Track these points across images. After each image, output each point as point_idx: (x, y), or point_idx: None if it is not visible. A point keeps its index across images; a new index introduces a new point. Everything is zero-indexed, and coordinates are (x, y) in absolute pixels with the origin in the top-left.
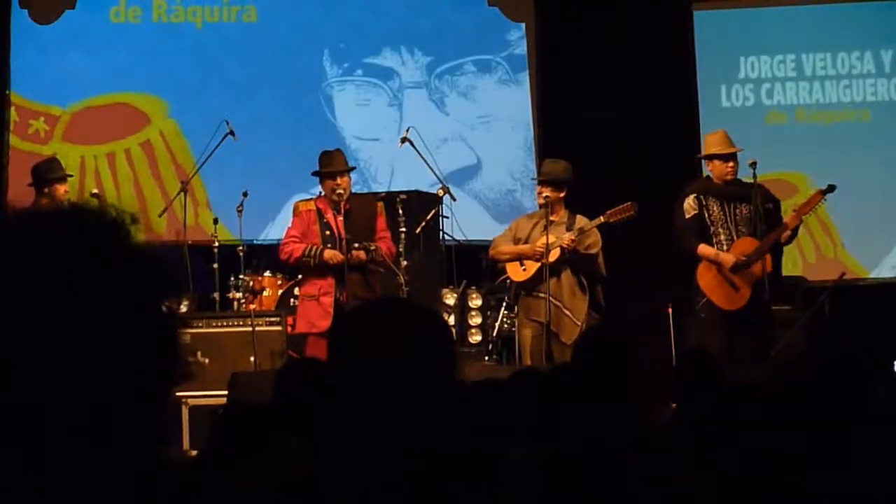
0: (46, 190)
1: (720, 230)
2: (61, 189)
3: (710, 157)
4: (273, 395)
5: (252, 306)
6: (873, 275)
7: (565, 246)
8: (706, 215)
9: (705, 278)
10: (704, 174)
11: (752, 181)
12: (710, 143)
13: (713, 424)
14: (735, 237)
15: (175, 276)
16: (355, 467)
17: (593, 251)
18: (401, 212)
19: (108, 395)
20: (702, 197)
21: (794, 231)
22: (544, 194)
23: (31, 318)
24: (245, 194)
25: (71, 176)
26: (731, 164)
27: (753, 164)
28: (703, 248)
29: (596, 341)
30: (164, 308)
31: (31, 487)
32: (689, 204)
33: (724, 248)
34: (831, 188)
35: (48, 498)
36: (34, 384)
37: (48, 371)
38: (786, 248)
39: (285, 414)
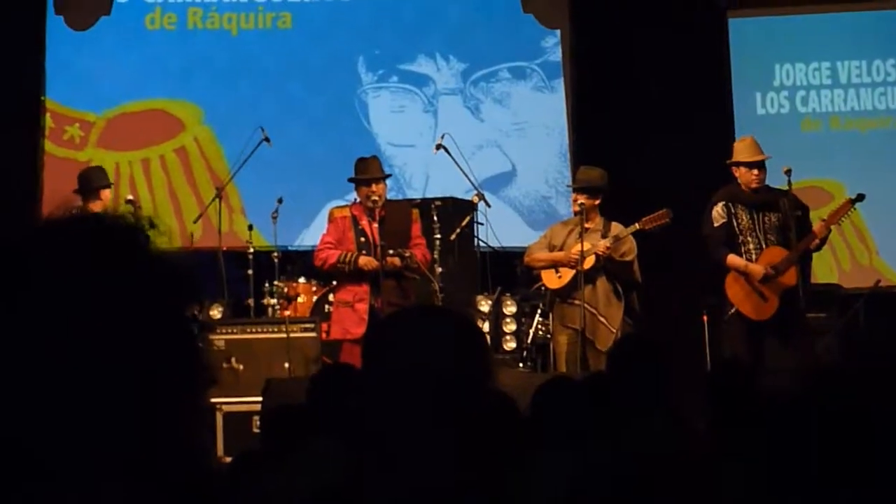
0: (92, 197)
1: (749, 238)
2: (107, 195)
3: (737, 164)
4: (307, 400)
5: (287, 312)
6: None
7: (601, 253)
8: (735, 223)
9: (733, 289)
10: None
11: (782, 188)
12: (738, 150)
13: (746, 433)
14: (764, 246)
15: (195, 280)
16: (394, 474)
17: (629, 258)
18: (436, 218)
19: (130, 403)
20: (730, 205)
21: (823, 240)
22: (579, 201)
23: (50, 327)
24: (280, 200)
25: (112, 184)
26: (755, 171)
27: (788, 172)
28: (732, 259)
29: (630, 349)
30: (186, 314)
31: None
32: (718, 212)
33: (753, 256)
34: (860, 197)
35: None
36: (54, 393)
37: (67, 377)
38: (821, 255)
39: (321, 419)
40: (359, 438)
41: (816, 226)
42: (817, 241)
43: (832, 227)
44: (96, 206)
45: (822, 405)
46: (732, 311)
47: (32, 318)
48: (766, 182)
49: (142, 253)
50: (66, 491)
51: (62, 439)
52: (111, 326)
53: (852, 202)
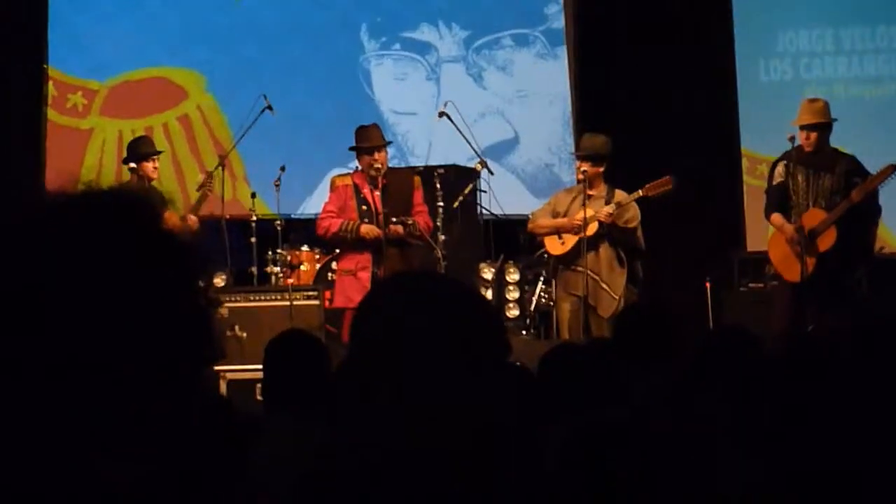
0: (136, 166)
1: (801, 200)
2: (149, 166)
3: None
4: (267, 370)
5: (290, 281)
6: None
7: (603, 219)
8: (790, 184)
9: (774, 250)
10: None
11: (845, 153)
12: (799, 111)
13: (746, 399)
14: (811, 207)
15: (206, 256)
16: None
17: (632, 225)
18: (438, 186)
19: (141, 376)
20: (790, 165)
21: (870, 205)
22: (583, 168)
23: (62, 303)
24: (283, 168)
25: (162, 152)
26: (804, 134)
27: (792, 139)
28: (775, 218)
29: (637, 317)
30: (197, 288)
31: (76, 470)
32: (778, 171)
33: (799, 218)
34: None
35: (91, 478)
36: (68, 368)
37: (80, 352)
38: None
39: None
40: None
41: (854, 190)
42: (853, 205)
43: (868, 191)
44: (134, 178)
45: (816, 369)
46: (772, 271)
47: (51, 291)
48: (833, 145)
49: (155, 229)
50: (84, 466)
51: (78, 416)
52: (122, 302)
53: (893, 168)
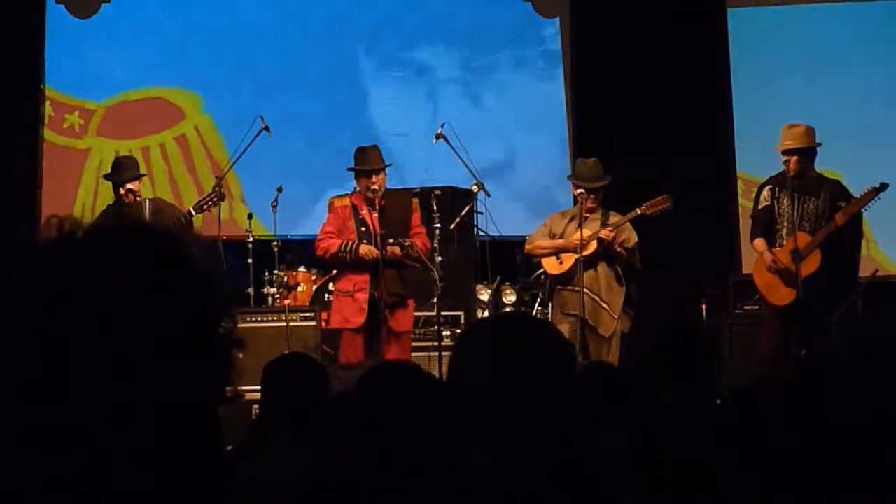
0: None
1: (785, 224)
2: (121, 192)
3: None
4: (265, 391)
5: (286, 301)
6: None
7: (605, 236)
8: (776, 207)
9: (759, 273)
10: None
11: (830, 176)
12: (780, 136)
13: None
14: (796, 231)
15: (232, 296)
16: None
17: (629, 245)
18: (435, 208)
19: (159, 412)
20: (776, 189)
21: (853, 230)
22: (580, 190)
23: (86, 338)
24: (280, 189)
25: (144, 175)
26: (785, 158)
27: (786, 162)
28: (757, 243)
29: (675, 336)
30: (220, 328)
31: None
32: (764, 195)
33: (784, 241)
34: (884, 186)
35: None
36: (87, 398)
37: (102, 384)
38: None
39: (281, 410)
40: (339, 432)
41: (837, 214)
42: (837, 228)
43: (851, 214)
44: (128, 197)
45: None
46: (756, 296)
47: (79, 320)
48: (817, 169)
49: (181, 267)
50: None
51: (92, 446)
52: (147, 338)
53: (876, 191)
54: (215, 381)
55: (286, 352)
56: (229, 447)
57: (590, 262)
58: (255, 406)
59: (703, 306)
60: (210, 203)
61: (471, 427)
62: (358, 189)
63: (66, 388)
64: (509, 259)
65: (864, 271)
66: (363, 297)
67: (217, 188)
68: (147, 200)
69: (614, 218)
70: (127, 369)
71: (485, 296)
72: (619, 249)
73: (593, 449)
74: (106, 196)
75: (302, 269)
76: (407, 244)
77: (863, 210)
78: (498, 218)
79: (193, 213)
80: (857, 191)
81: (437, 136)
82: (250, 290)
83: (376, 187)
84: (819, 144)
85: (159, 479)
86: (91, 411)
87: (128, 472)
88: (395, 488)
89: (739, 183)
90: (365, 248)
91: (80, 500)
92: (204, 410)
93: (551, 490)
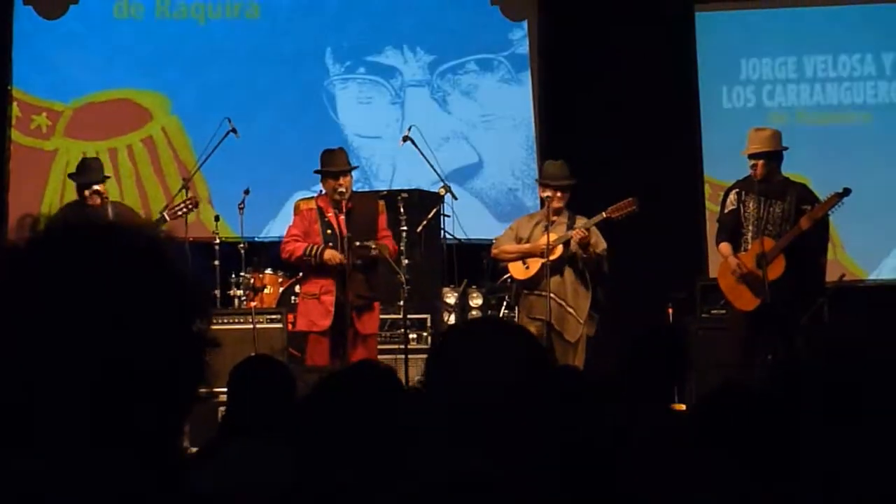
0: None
1: (750, 227)
2: (87, 193)
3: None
4: (231, 394)
5: (253, 304)
6: (872, 276)
7: (576, 239)
8: (742, 211)
9: (724, 278)
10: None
11: (796, 180)
12: (747, 140)
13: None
14: (761, 236)
15: (207, 296)
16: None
17: (599, 250)
18: (402, 210)
19: (131, 410)
20: (742, 193)
21: (818, 234)
22: (557, 197)
23: (62, 335)
24: (247, 192)
25: (109, 177)
26: (752, 162)
27: (753, 167)
28: (722, 247)
29: (653, 343)
30: (194, 329)
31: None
32: (730, 199)
33: (749, 246)
34: (847, 191)
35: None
36: (61, 395)
37: (75, 381)
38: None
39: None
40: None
41: (802, 219)
42: (802, 232)
43: (815, 220)
44: (93, 199)
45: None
46: (723, 301)
47: (54, 319)
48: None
49: (157, 267)
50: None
51: (63, 421)
52: (122, 337)
53: (840, 196)
54: (190, 381)
55: (252, 354)
56: (195, 449)
57: (556, 267)
58: (221, 408)
59: (670, 310)
60: (185, 210)
61: (447, 430)
62: (324, 192)
63: (41, 385)
64: (476, 262)
65: (831, 276)
66: (329, 299)
67: (190, 194)
68: (110, 204)
69: (580, 221)
70: (105, 367)
71: (451, 299)
72: (590, 251)
73: (564, 450)
74: (72, 198)
75: (269, 271)
76: (374, 248)
77: (829, 214)
78: (465, 221)
79: (167, 218)
80: (824, 195)
81: (405, 139)
82: (217, 293)
83: (343, 189)
84: (786, 148)
85: (126, 480)
86: (64, 409)
87: (96, 473)
88: (369, 491)
89: (706, 187)
90: (329, 254)
91: (48, 501)
92: (173, 410)
93: (528, 493)
